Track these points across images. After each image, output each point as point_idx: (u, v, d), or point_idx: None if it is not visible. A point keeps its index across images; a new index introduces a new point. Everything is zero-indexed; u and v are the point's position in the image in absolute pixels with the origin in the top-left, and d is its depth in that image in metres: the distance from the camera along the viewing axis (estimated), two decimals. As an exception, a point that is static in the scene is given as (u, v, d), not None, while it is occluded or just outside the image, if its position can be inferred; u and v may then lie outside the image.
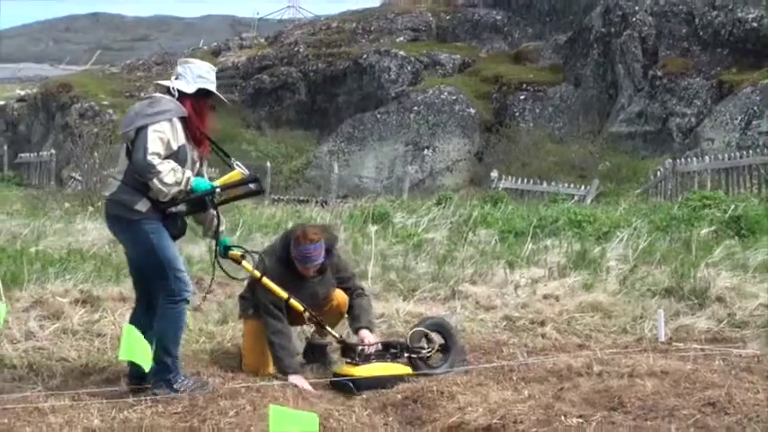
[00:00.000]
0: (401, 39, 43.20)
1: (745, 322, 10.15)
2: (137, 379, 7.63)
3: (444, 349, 8.53)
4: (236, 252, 8.03)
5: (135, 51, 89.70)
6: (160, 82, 7.67)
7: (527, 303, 10.94)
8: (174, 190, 7.17)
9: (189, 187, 7.23)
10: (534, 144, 35.22)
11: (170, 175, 7.10)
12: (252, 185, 7.73)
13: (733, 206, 17.60)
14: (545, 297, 11.16)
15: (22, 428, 6.65)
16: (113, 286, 9.18)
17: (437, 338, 8.56)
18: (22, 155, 41.58)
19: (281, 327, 8.17)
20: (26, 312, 9.84)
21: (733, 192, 24.20)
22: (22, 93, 49.71)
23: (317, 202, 28.24)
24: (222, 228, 7.92)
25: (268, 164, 35.91)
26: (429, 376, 8.05)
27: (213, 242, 7.95)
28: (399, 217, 17.59)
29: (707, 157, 28.05)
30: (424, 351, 8.40)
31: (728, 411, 6.91)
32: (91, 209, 19.32)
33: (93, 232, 11.22)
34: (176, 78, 7.50)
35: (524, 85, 38.10)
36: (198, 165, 7.61)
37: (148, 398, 7.45)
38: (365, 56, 41.72)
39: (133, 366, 7.47)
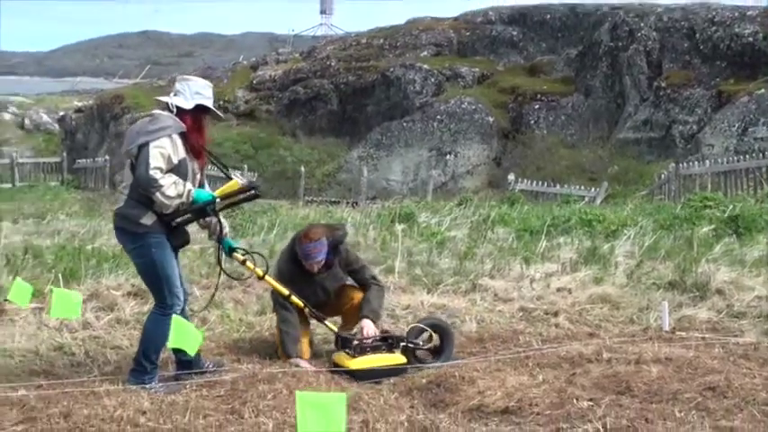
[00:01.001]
0: (425, 53, 43.16)
1: (742, 313, 10.12)
2: (183, 365, 7.66)
3: (439, 346, 8.53)
4: (238, 254, 8.03)
5: (181, 66, 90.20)
6: (160, 98, 7.61)
7: (541, 296, 10.94)
8: (177, 202, 7.17)
9: (190, 199, 7.23)
10: (548, 149, 35.23)
11: (172, 189, 7.10)
12: (250, 192, 7.68)
13: (731, 206, 17.55)
14: (558, 290, 11.16)
15: (80, 410, 6.66)
16: (192, 287, 9.19)
17: (434, 336, 8.55)
18: (79, 161, 41.82)
19: (289, 316, 8.28)
20: (83, 304, 9.89)
21: (731, 193, 24.08)
22: (80, 104, 49.95)
23: (347, 203, 28.28)
24: (226, 230, 7.89)
25: (302, 168, 36.01)
26: (432, 367, 8.07)
27: (219, 246, 7.92)
28: (424, 217, 17.57)
29: (707, 162, 27.95)
30: (419, 346, 8.42)
31: (727, 395, 6.92)
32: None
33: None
34: (175, 95, 7.45)
35: (538, 96, 38.03)
36: (198, 176, 7.58)
37: (194, 382, 7.48)
38: (392, 69, 41.72)
39: (179, 353, 7.50)
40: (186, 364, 7.62)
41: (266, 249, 13.05)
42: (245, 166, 36.97)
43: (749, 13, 35.01)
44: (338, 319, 8.90)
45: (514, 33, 42.94)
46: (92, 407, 6.74)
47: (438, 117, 37.91)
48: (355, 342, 8.15)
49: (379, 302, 8.65)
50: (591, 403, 6.77)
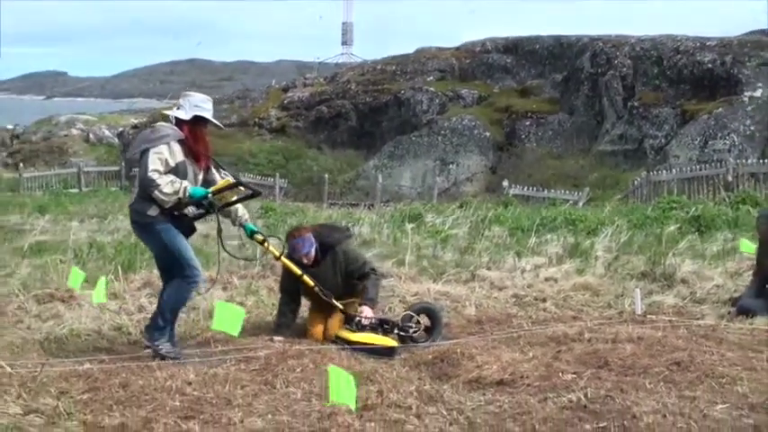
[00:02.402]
0: (431, 78, 43.15)
1: (703, 299, 10.10)
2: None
3: (430, 329, 8.53)
4: (258, 236, 8.08)
5: (222, 89, 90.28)
6: (165, 112, 7.71)
7: (531, 284, 10.92)
8: (174, 198, 7.20)
9: (187, 194, 7.23)
10: (537, 160, 35.25)
11: (168, 186, 7.14)
12: (243, 189, 7.79)
13: (694, 208, 17.55)
14: (546, 279, 11.14)
15: (136, 381, 6.67)
16: (204, 271, 9.19)
17: (424, 320, 8.54)
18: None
19: (288, 300, 8.55)
20: (138, 291, 9.92)
21: (694, 197, 24.02)
22: (135, 121, 49.98)
23: (365, 205, 28.23)
24: (246, 217, 7.96)
25: (326, 176, 36.04)
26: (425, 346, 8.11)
27: (219, 232, 7.88)
28: (430, 217, 17.58)
29: (673, 170, 27.94)
30: (411, 330, 8.40)
31: (690, 369, 6.90)
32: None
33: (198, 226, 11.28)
34: (177, 108, 7.49)
35: (529, 114, 38.02)
36: (200, 176, 7.58)
37: (233, 357, 7.48)
38: (403, 91, 41.77)
39: None
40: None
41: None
42: (277, 173, 37.05)
43: (708, 43, 34.96)
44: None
45: (508, 61, 42.89)
46: (146, 378, 6.76)
47: (442, 132, 37.92)
48: (356, 320, 8.21)
49: (376, 291, 8.60)
50: (574, 376, 6.76)
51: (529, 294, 10.44)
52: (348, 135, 42.31)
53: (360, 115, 42.50)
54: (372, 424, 5.79)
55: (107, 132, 50.70)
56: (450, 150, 37.17)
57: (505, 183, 30.56)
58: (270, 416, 6.03)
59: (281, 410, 6.12)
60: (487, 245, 13.61)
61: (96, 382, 6.82)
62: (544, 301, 10.19)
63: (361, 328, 8.18)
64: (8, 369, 6.65)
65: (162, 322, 7.40)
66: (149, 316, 9.05)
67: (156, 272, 10.28)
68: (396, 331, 8.31)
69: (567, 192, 28.74)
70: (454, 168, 36.70)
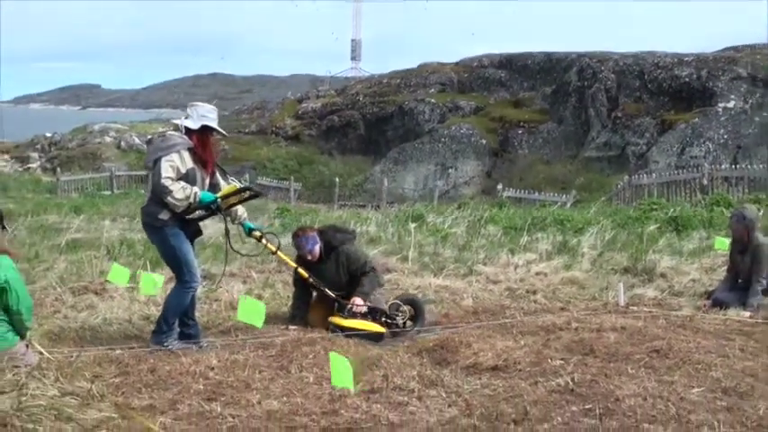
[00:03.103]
0: (432, 90, 43.18)
1: (680, 292, 10.12)
2: (186, 336, 7.65)
3: (414, 315, 8.60)
4: (256, 233, 8.05)
5: (241, 100, 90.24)
6: (174, 121, 7.63)
7: (523, 278, 10.95)
8: (185, 203, 7.17)
9: (197, 199, 7.21)
10: (528, 165, 35.26)
11: (179, 192, 7.12)
12: (246, 193, 7.73)
13: (672, 210, 17.58)
14: (536, 274, 11.16)
15: (163, 366, 6.68)
16: (220, 264, 9.21)
17: (409, 310, 8.62)
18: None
19: (300, 293, 8.67)
20: (167, 284, 9.90)
21: (672, 199, 23.99)
22: (162, 129, 49.76)
23: (371, 206, 28.25)
24: (245, 216, 7.92)
25: (337, 179, 36.08)
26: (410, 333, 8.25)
27: (237, 227, 8.00)
28: (431, 217, 17.58)
29: (653, 174, 27.94)
30: (397, 319, 8.47)
31: (669, 356, 6.91)
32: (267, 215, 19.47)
33: (211, 227, 11.21)
34: (186, 118, 7.47)
35: (521, 123, 38.04)
36: (207, 181, 7.55)
37: (252, 344, 7.49)
38: (406, 102, 41.82)
39: (183, 327, 7.61)
40: (188, 336, 7.60)
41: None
42: (292, 177, 37.07)
43: (686, 59, 34.95)
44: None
45: (502, 75, 42.88)
46: (172, 364, 6.77)
47: (442, 140, 37.94)
48: (348, 307, 8.29)
49: (371, 286, 8.62)
50: (562, 362, 6.76)
51: (521, 287, 10.47)
52: (357, 142, 42.35)
53: (367, 124, 42.55)
54: (378, 405, 5.80)
55: (137, 140, 50.64)
56: (449, 156, 37.19)
57: (500, 186, 30.54)
58: (285, 398, 6.04)
59: (296, 393, 6.13)
60: (483, 242, 13.62)
61: (127, 367, 6.84)
62: (535, 293, 10.20)
63: (352, 315, 8.26)
64: (47, 355, 6.68)
65: (165, 327, 7.38)
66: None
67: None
68: (383, 319, 8.40)
69: (556, 194, 28.73)
70: (453, 173, 36.72)
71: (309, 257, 8.50)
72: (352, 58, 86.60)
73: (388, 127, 41.64)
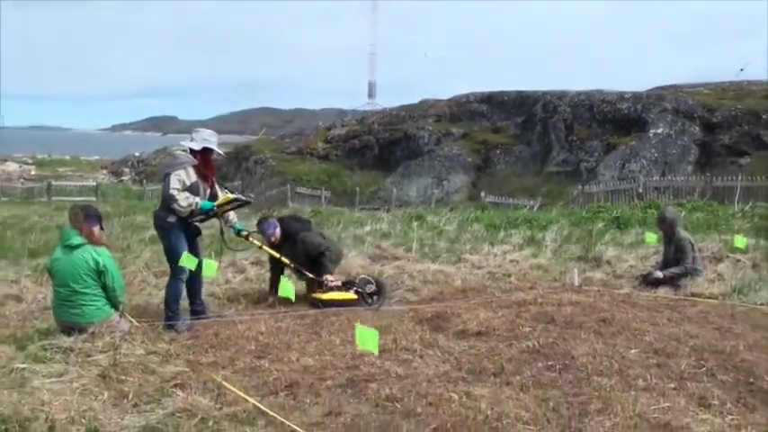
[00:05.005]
0: (430, 120, 43.01)
1: (621, 275, 10.05)
2: (196, 312, 7.48)
3: (377, 291, 8.41)
4: (244, 233, 7.87)
5: (285, 128, 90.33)
6: (182, 143, 7.44)
7: (501, 264, 10.88)
8: (188, 209, 7.05)
9: (198, 206, 7.09)
10: (505, 177, 35.09)
11: (184, 201, 7.00)
12: (237, 201, 7.51)
13: (615, 212, 17.50)
14: (511, 261, 11.10)
15: (224, 331, 6.72)
16: (226, 257, 9.21)
17: (374, 285, 8.46)
18: (225, 184, 41.76)
19: (273, 272, 8.39)
20: (226, 269, 9.93)
21: (615, 204, 23.91)
22: (224, 151, 49.99)
23: (384, 209, 28.22)
24: (236, 220, 7.77)
25: (357, 188, 36.13)
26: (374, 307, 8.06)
27: (228, 229, 7.79)
28: (429, 217, 17.52)
29: (601, 184, 27.87)
30: (365, 289, 8.33)
31: (612, 324, 6.89)
32: (260, 214, 19.37)
33: (209, 230, 11.36)
34: (191, 141, 7.30)
35: (499, 145, 37.85)
36: (208, 191, 7.37)
37: (291, 314, 7.48)
38: (410, 130, 41.70)
39: (193, 305, 7.48)
40: (197, 312, 7.44)
41: (335, 235, 13.07)
42: (323, 187, 37.09)
43: (625, 95, 34.82)
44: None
45: (484, 108, 42.66)
46: (231, 329, 6.80)
47: (438, 158, 37.82)
48: (324, 284, 8.13)
49: (331, 264, 8.40)
50: (530, 329, 6.73)
51: (499, 271, 10.41)
52: (372, 160, 42.23)
53: (380, 146, 42.46)
54: (389, 362, 5.79)
55: (217, 158, 50.75)
56: (443, 171, 37.08)
57: (483, 193, 30.47)
58: (317, 356, 6.04)
59: (326, 353, 6.13)
60: (470, 237, 13.59)
61: (196, 332, 6.87)
62: (509, 276, 10.15)
63: (329, 289, 8.09)
64: (135, 323, 6.70)
65: (171, 313, 7.12)
66: (233, 287, 9.11)
67: (239, 255, 10.27)
68: (354, 289, 8.22)
69: (526, 200, 28.65)
70: (446, 183, 36.58)
71: (273, 239, 8.28)
72: (369, 96, 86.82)
73: (396, 149, 41.52)
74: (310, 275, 8.27)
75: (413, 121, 43.39)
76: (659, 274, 9.08)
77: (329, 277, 8.20)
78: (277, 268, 8.42)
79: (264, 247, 8.24)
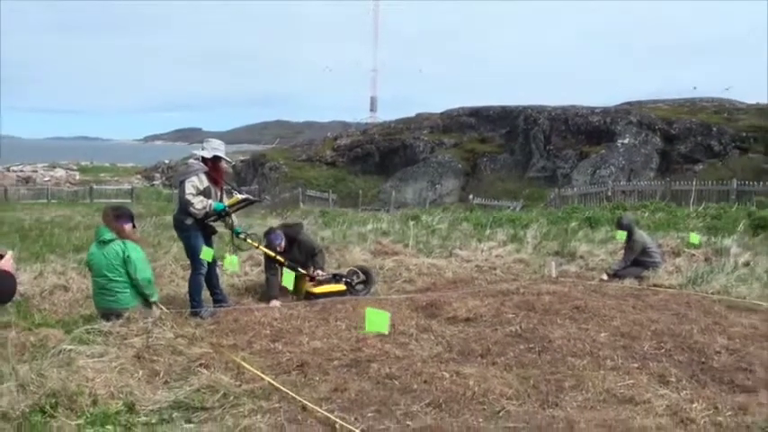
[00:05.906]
0: (425, 131, 42.96)
1: (593, 268, 10.05)
2: (217, 301, 7.36)
3: (366, 281, 8.36)
4: (242, 235, 7.76)
5: (296, 138, 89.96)
6: (195, 152, 7.38)
7: (487, 259, 10.87)
8: (203, 212, 6.99)
9: (212, 208, 7.03)
10: (490, 182, 35.00)
11: (199, 204, 6.94)
12: (246, 202, 7.44)
13: (587, 212, 17.49)
14: (496, 256, 11.09)
15: (243, 318, 6.71)
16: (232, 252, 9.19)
17: (362, 275, 8.40)
18: (242, 188, 41.65)
19: (272, 273, 7.92)
20: (244, 262, 9.91)
21: (587, 205, 23.90)
22: (242, 158, 49.99)
23: (384, 210, 28.20)
24: (236, 222, 7.63)
25: (360, 191, 36.09)
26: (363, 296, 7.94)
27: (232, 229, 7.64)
28: (424, 217, 17.51)
29: (575, 188, 27.85)
30: (354, 280, 8.25)
31: (585, 311, 6.89)
32: (274, 214, 19.41)
33: (272, 224, 11.28)
34: (202, 149, 7.25)
35: (485, 154, 37.80)
36: (219, 194, 7.31)
37: (303, 303, 7.47)
38: (408, 140, 41.65)
39: (214, 295, 7.35)
40: (219, 301, 7.35)
41: (341, 233, 13.07)
42: (330, 190, 37.09)
43: (596, 110, 34.80)
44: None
45: (473, 121, 42.58)
46: (248, 316, 6.79)
47: (432, 165, 37.74)
48: (316, 278, 8.03)
49: (323, 261, 8.37)
50: (513, 315, 6.74)
51: (485, 265, 10.40)
52: (374, 167, 42.15)
53: (381, 154, 42.38)
54: (388, 345, 5.80)
55: (225, 165, 50.71)
56: (436, 176, 37.02)
57: (471, 196, 30.43)
58: (325, 339, 6.04)
59: (333, 336, 6.13)
60: (459, 234, 13.58)
61: (218, 318, 6.86)
62: (495, 269, 10.14)
63: (320, 283, 8.00)
64: (165, 310, 6.70)
65: (195, 303, 7.08)
66: (250, 278, 9.09)
67: (256, 251, 10.23)
68: (344, 280, 8.15)
69: (510, 202, 28.64)
70: (439, 187, 36.52)
71: (279, 249, 8.14)
72: (371, 110, 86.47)
73: (395, 156, 41.44)
74: (302, 271, 8.20)
75: (409, 132, 43.35)
76: (605, 276, 9.14)
77: (320, 272, 8.15)
78: (272, 268, 8.23)
79: (262, 247, 8.14)
